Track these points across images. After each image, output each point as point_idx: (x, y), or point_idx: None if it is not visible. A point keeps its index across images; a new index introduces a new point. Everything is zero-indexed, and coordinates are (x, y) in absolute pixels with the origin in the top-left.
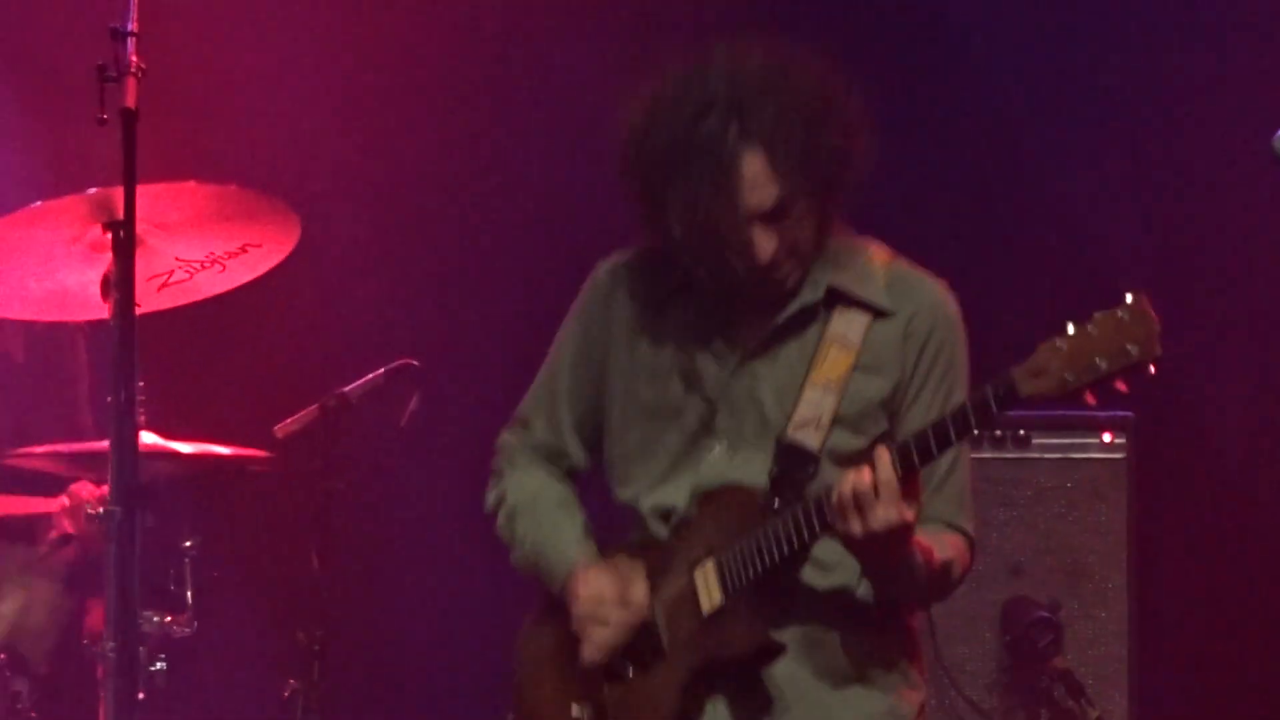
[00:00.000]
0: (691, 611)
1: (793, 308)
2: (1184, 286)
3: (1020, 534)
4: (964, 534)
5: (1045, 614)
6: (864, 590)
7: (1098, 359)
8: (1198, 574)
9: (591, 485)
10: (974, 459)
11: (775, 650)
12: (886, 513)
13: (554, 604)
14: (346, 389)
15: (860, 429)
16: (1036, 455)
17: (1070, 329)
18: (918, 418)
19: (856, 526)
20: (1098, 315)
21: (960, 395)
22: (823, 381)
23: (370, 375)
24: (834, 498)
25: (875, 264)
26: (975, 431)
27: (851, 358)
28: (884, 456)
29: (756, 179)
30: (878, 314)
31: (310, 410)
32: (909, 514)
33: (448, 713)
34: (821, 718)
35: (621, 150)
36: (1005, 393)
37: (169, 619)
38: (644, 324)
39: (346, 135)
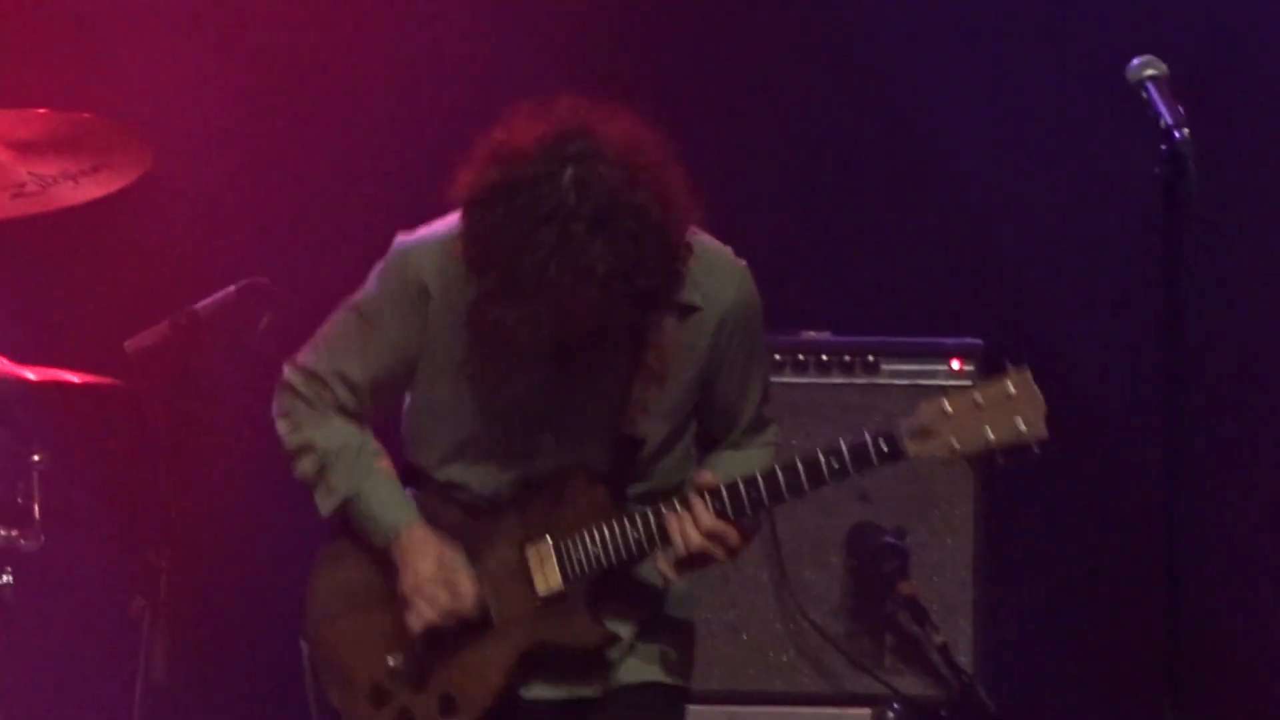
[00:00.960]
0: (524, 590)
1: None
2: (1034, 219)
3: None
4: (773, 444)
5: (891, 540)
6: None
7: (987, 429)
8: (1044, 502)
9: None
10: (825, 384)
11: (613, 642)
12: (715, 557)
13: (358, 541)
14: (197, 305)
15: (677, 416)
16: (885, 381)
17: (955, 395)
18: (723, 389)
19: (689, 570)
20: (984, 385)
21: (760, 365)
22: (646, 375)
23: (222, 292)
24: (676, 548)
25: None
26: (850, 475)
27: (670, 351)
28: (693, 499)
29: (587, 298)
30: (687, 310)
31: (161, 326)
32: (737, 543)
33: (295, 632)
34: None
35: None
36: (890, 449)
37: (15, 533)
38: (461, 327)
39: (198, 54)
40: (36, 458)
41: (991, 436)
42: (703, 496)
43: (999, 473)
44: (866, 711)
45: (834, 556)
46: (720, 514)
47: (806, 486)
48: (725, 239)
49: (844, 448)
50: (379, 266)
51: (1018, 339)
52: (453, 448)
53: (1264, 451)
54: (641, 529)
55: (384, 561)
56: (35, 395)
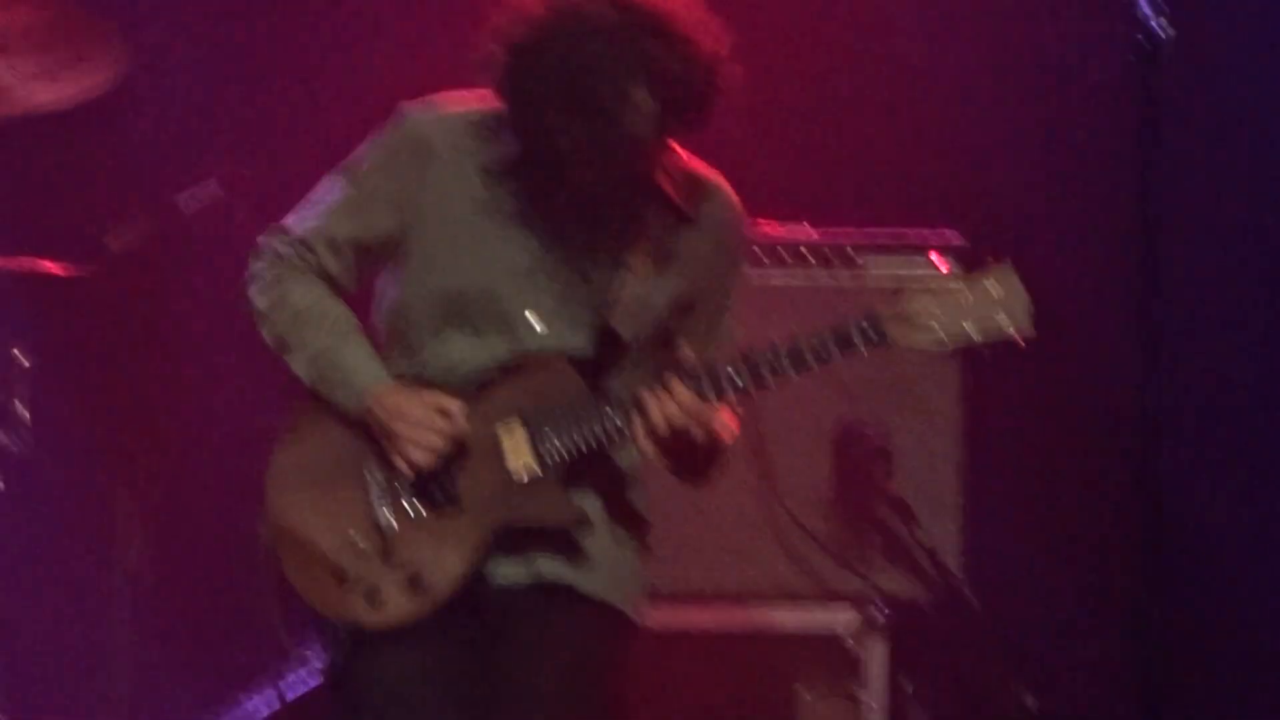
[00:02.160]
0: (495, 468)
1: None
2: (1013, 102)
3: (853, 359)
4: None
5: (876, 439)
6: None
7: (970, 323)
8: (1030, 400)
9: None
10: (804, 285)
11: (586, 525)
12: (700, 437)
13: (315, 422)
14: (177, 197)
15: (659, 319)
16: (872, 283)
17: (939, 288)
18: (701, 312)
19: (667, 448)
20: (969, 279)
21: (737, 290)
22: (637, 275)
23: (201, 184)
24: (653, 421)
25: (678, 166)
26: (831, 360)
27: (658, 255)
28: (673, 381)
29: (642, 108)
30: (681, 220)
31: (141, 220)
32: (713, 427)
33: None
34: (616, 573)
35: (507, 57)
36: (875, 334)
37: (2, 434)
38: (466, 188)
39: None
40: (26, 364)
41: (974, 332)
42: (680, 376)
43: (982, 365)
44: (851, 610)
45: (819, 456)
46: (699, 394)
47: (790, 371)
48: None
49: (828, 331)
50: (378, 131)
51: (993, 232)
52: (439, 315)
53: (1239, 346)
54: (618, 414)
55: (348, 433)
56: (16, 285)
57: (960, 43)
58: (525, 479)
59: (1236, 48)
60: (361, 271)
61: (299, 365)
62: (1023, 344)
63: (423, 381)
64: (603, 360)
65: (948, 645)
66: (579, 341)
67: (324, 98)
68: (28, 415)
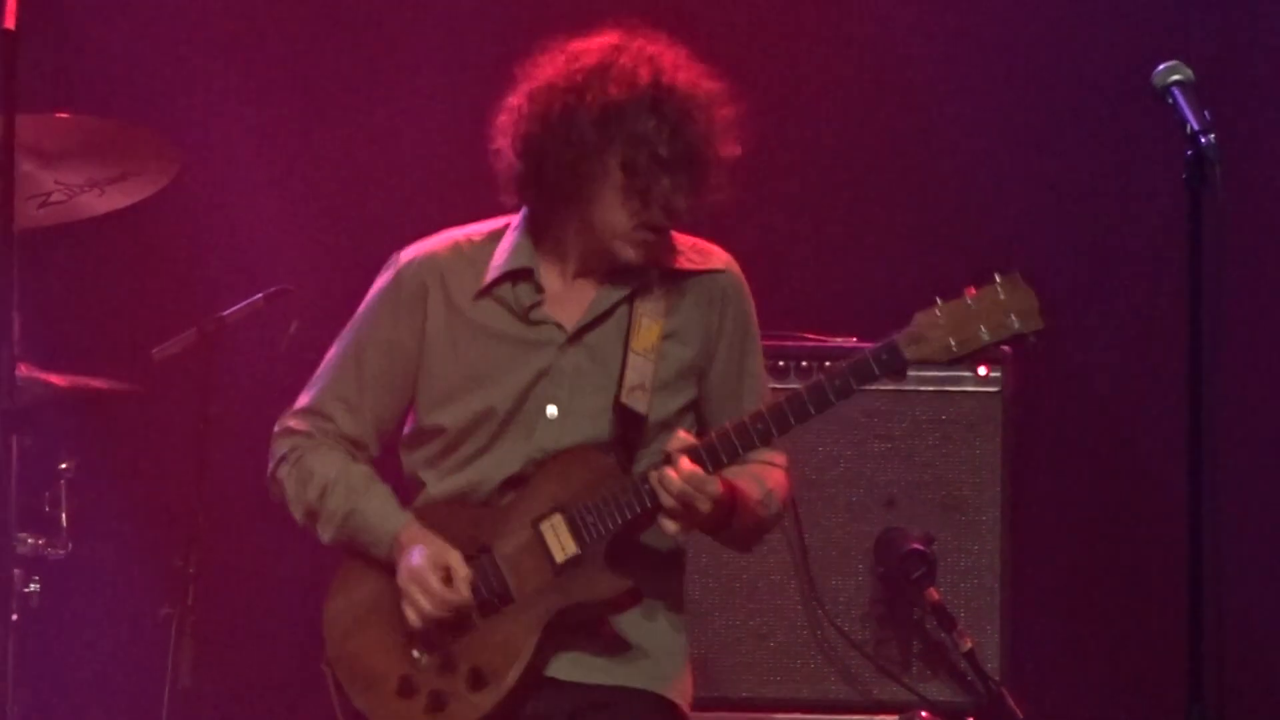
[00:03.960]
0: (541, 562)
1: (615, 291)
2: (1058, 223)
3: (895, 466)
4: (780, 466)
5: (919, 546)
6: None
7: (980, 329)
8: (1070, 508)
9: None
10: (827, 369)
11: (636, 596)
12: (702, 509)
13: (364, 565)
14: (225, 313)
15: (676, 391)
16: (913, 388)
17: (946, 301)
18: (718, 379)
19: (683, 526)
20: (974, 291)
21: (757, 355)
22: (641, 349)
23: (249, 300)
24: (662, 500)
25: (674, 236)
26: (852, 392)
27: (659, 326)
28: (679, 455)
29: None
30: (675, 287)
31: (188, 334)
32: (721, 499)
33: (320, 640)
34: (665, 660)
35: (537, 118)
36: (889, 356)
37: (43, 541)
38: (464, 312)
39: (224, 60)
40: (63, 465)
41: (986, 335)
42: (683, 451)
43: (1023, 468)
44: (894, 717)
45: (861, 563)
46: (699, 463)
47: (812, 409)
48: (749, 243)
49: (845, 366)
50: (375, 284)
51: (1044, 346)
52: (459, 435)
53: None
54: (642, 490)
55: (391, 571)
56: (63, 401)
57: (1010, 157)
58: (571, 564)
59: None
60: (384, 423)
61: (328, 534)
62: (1033, 340)
63: (464, 498)
64: (628, 439)
65: None
66: (600, 427)
67: (371, 212)
68: (69, 526)
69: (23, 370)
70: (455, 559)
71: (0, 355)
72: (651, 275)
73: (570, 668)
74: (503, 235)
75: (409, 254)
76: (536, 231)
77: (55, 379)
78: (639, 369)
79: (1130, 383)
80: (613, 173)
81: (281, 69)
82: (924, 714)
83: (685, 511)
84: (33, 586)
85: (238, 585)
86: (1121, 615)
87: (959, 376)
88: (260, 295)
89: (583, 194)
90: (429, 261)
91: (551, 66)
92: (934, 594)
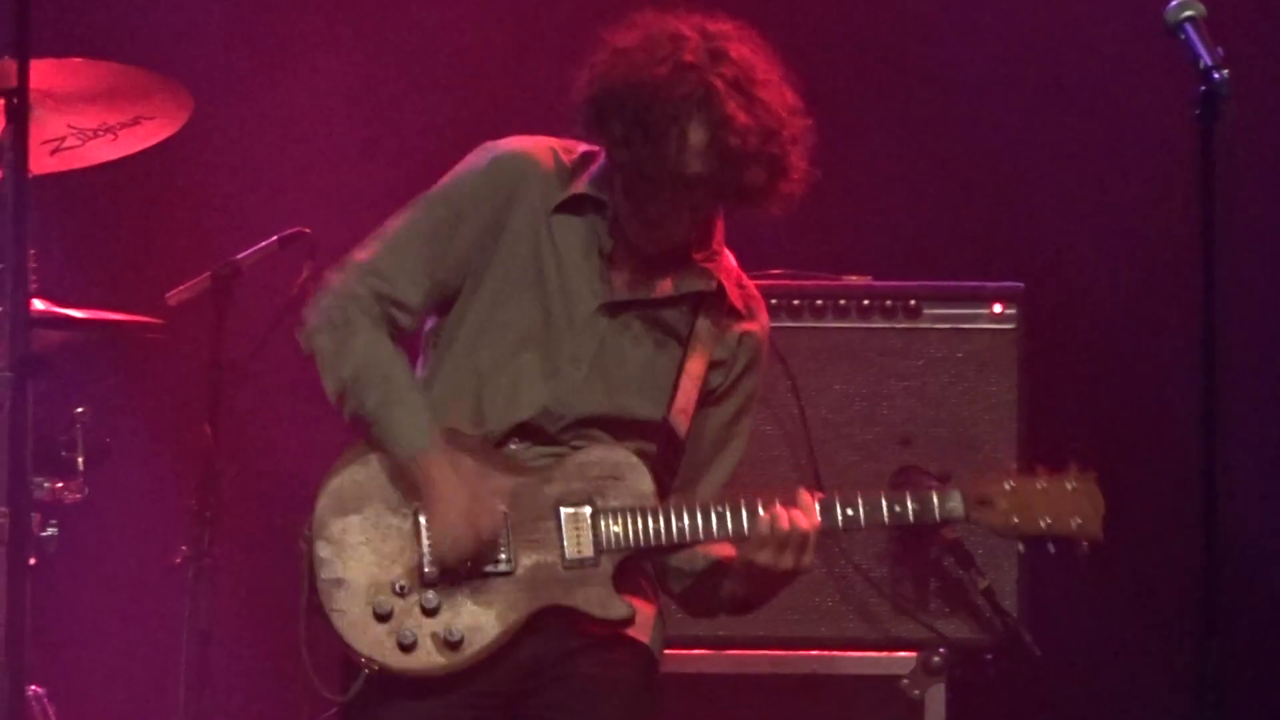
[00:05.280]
0: (551, 551)
1: (684, 287)
2: (1070, 159)
3: (910, 404)
4: None
5: (935, 484)
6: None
7: (1042, 519)
8: (1088, 443)
9: None
10: (865, 329)
11: (631, 620)
12: (806, 560)
13: (380, 456)
14: (239, 256)
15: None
16: (927, 325)
17: (1020, 476)
18: (717, 416)
19: (773, 561)
20: (1048, 477)
21: (743, 441)
22: (693, 374)
23: (263, 243)
24: (759, 526)
25: (728, 266)
26: (906, 524)
27: (708, 356)
28: (811, 506)
29: (696, 148)
30: (729, 322)
31: (202, 278)
32: (811, 563)
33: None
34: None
35: (592, 78)
36: (953, 510)
37: (60, 485)
38: (543, 218)
39: (241, 5)
40: (79, 410)
41: (1045, 527)
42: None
43: (1038, 409)
44: (912, 656)
45: None
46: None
47: (863, 522)
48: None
49: (909, 502)
50: (464, 163)
51: (1060, 283)
52: (505, 351)
53: None
54: (690, 520)
55: (400, 473)
56: (78, 340)
57: (1022, 92)
58: (580, 566)
59: None
60: (441, 298)
61: (350, 416)
62: (1087, 549)
63: (490, 446)
64: (667, 459)
65: (1007, 688)
66: (605, 400)
67: (387, 154)
68: (82, 465)
69: (40, 306)
70: (490, 517)
71: (15, 301)
72: (711, 298)
73: (543, 648)
74: (593, 160)
75: (506, 143)
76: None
77: (73, 313)
78: (687, 392)
79: (1143, 318)
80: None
81: (295, 10)
82: (941, 650)
83: (782, 551)
84: (50, 530)
85: (254, 528)
86: (1137, 551)
87: (974, 314)
88: (275, 238)
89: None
90: (525, 156)
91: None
92: (950, 532)
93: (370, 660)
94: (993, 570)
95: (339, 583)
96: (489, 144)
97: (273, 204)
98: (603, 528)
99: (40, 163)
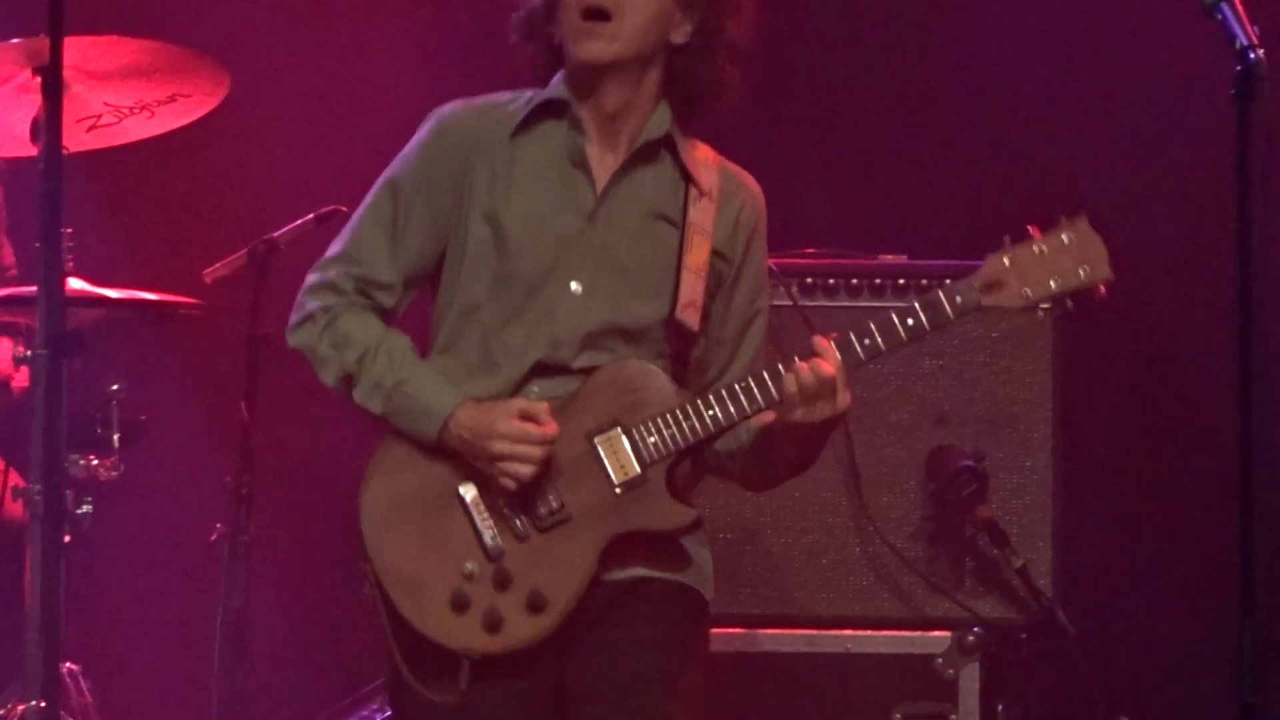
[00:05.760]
0: (599, 481)
1: (637, 143)
2: (1104, 142)
3: (945, 383)
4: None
5: (970, 463)
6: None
7: (1052, 280)
8: (1120, 424)
9: None
10: (899, 307)
11: (697, 523)
12: (838, 402)
13: (398, 454)
14: (275, 234)
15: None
16: None
17: (1015, 247)
18: (737, 299)
19: (805, 415)
20: (1043, 239)
21: (764, 293)
22: (694, 266)
23: (299, 221)
24: (785, 386)
25: (707, 156)
26: (923, 333)
27: (709, 243)
28: (831, 350)
29: None
30: (718, 198)
31: (239, 255)
32: (847, 402)
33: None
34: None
35: None
36: (964, 301)
37: (95, 462)
38: (500, 166)
39: None
40: (115, 387)
41: (1054, 285)
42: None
43: (1074, 385)
44: (947, 635)
45: (913, 480)
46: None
47: (882, 347)
48: (800, 164)
49: (919, 304)
50: (415, 136)
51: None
52: (506, 305)
53: None
54: (718, 401)
55: (435, 460)
56: (114, 325)
57: (1057, 76)
58: (631, 487)
59: None
60: (417, 270)
61: (371, 401)
62: (1104, 291)
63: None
64: (681, 355)
65: (1042, 667)
66: (615, 307)
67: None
68: (117, 443)
69: (76, 285)
70: (536, 405)
71: (50, 281)
72: (694, 186)
73: (614, 575)
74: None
75: (451, 105)
76: (570, 78)
77: (107, 292)
78: (691, 285)
79: (1179, 299)
80: None
81: None
82: (976, 630)
83: (808, 402)
84: (85, 508)
85: (290, 506)
86: (1173, 531)
87: None
88: (311, 216)
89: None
90: (470, 106)
91: None
92: (985, 511)
93: (467, 652)
94: (1027, 549)
95: (415, 601)
96: (435, 110)
97: (309, 181)
98: (640, 442)
99: (76, 140)
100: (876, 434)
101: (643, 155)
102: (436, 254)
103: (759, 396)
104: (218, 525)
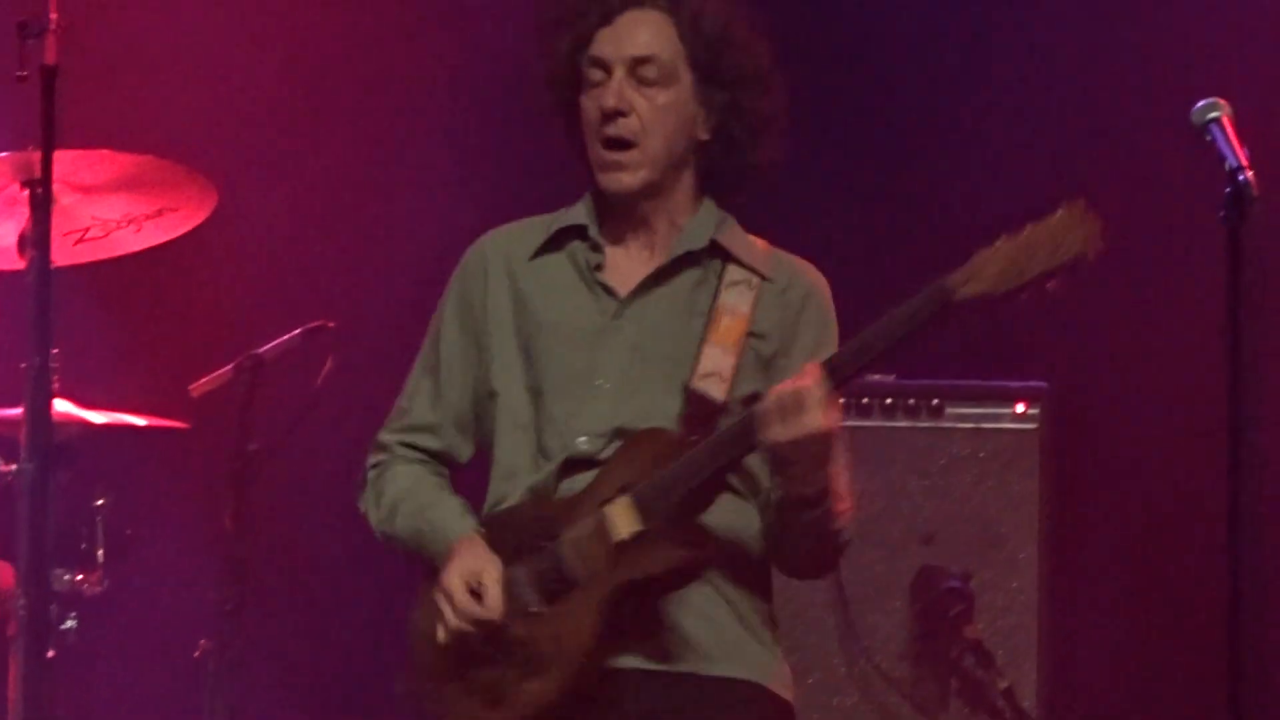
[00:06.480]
0: (604, 544)
1: (676, 250)
2: (1099, 257)
3: (933, 503)
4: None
5: (956, 583)
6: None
7: (1032, 260)
8: (1108, 545)
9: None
10: (888, 428)
11: (695, 567)
12: (813, 418)
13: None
14: (262, 349)
15: (750, 386)
16: (950, 424)
17: (1004, 238)
18: (789, 371)
19: (781, 432)
20: (1031, 225)
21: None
22: (720, 343)
23: (286, 336)
24: (762, 405)
25: (756, 242)
26: (901, 340)
27: (744, 325)
28: (812, 367)
29: (637, 29)
30: (762, 281)
31: (225, 370)
32: (833, 421)
33: (359, 676)
34: (734, 656)
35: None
36: (937, 295)
37: (80, 577)
38: (522, 284)
39: (263, 98)
40: (100, 501)
41: (1037, 268)
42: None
43: (1062, 508)
44: None
45: (899, 600)
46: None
47: (862, 361)
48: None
49: (895, 313)
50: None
51: (1082, 382)
52: (540, 409)
53: None
54: (714, 440)
55: None
56: (100, 438)
57: (1049, 192)
58: (634, 541)
59: None
60: (463, 408)
61: (404, 549)
62: (1091, 258)
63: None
64: (696, 420)
65: None
66: (648, 406)
67: (409, 247)
68: (106, 561)
69: (61, 408)
70: (490, 569)
71: (37, 394)
72: (731, 261)
73: (648, 656)
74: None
75: (473, 246)
76: (597, 194)
77: (93, 417)
78: (714, 359)
79: (1169, 419)
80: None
81: (320, 103)
82: None
83: (784, 417)
84: (70, 623)
85: (276, 621)
86: (1161, 653)
87: (997, 414)
88: (298, 331)
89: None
90: (494, 236)
91: None
92: (972, 631)
93: None
94: (1013, 670)
95: (435, 699)
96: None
97: (296, 297)
98: (644, 500)
99: (63, 253)
100: (864, 553)
101: (683, 263)
102: (479, 385)
103: (743, 424)
104: (202, 641)
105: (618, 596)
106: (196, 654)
